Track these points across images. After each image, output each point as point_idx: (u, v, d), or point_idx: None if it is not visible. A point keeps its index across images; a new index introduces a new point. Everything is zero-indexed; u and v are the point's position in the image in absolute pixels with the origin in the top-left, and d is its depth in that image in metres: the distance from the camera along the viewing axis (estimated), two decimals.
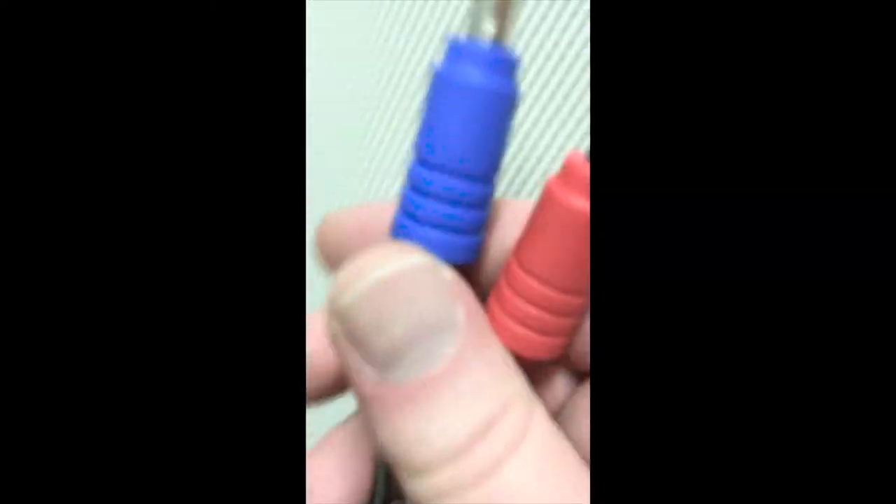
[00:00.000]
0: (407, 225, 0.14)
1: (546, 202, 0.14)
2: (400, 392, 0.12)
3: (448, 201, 0.14)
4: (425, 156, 0.14)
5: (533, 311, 0.14)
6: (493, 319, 0.14)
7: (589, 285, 0.14)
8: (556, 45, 0.19)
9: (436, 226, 0.14)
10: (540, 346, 0.14)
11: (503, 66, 0.14)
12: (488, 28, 0.14)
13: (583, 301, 0.14)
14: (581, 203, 0.13)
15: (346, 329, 0.12)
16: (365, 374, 0.12)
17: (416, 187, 0.14)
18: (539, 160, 0.20)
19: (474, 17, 0.14)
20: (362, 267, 0.12)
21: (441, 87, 0.14)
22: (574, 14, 0.19)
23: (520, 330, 0.14)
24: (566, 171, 0.14)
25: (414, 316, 0.12)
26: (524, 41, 0.20)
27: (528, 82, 0.20)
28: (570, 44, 0.19)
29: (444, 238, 0.14)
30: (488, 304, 0.15)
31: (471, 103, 0.14)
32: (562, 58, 0.19)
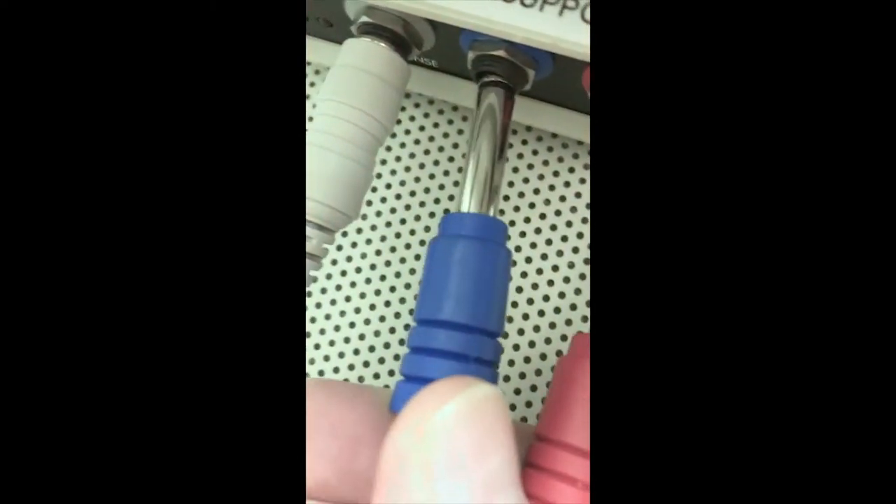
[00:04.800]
0: (412, 388, 0.14)
1: (573, 369, 0.14)
2: None
3: (454, 356, 0.14)
4: (429, 315, 0.15)
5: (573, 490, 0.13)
6: None
7: None
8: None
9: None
10: None
11: (493, 227, 0.15)
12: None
13: None
14: None
15: (441, 454, 0.11)
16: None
17: (420, 349, 0.15)
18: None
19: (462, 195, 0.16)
20: (449, 388, 0.11)
21: (440, 248, 0.15)
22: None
23: None
24: (576, 352, 0.14)
25: (506, 447, 0.11)
26: None
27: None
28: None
29: None
30: None
31: (468, 254, 0.15)
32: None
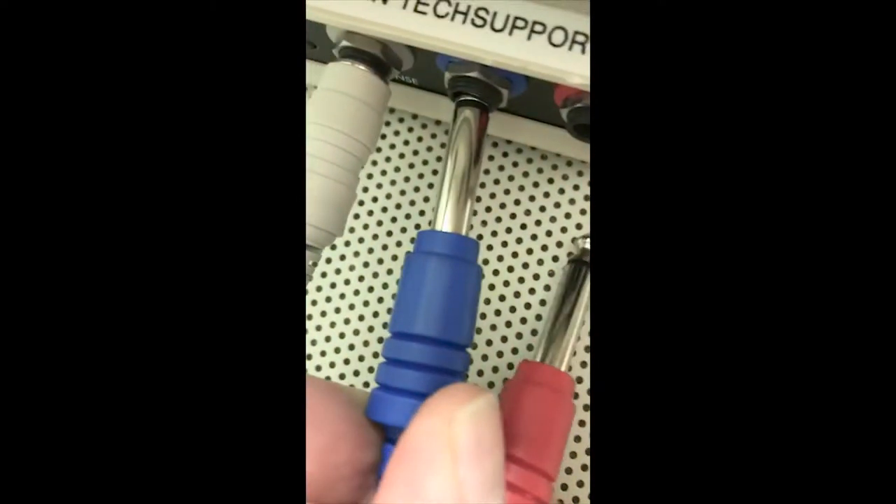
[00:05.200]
0: (387, 397, 0.15)
1: (516, 390, 0.16)
2: None
3: (426, 368, 0.15)
4: (402, 328, 0.16)
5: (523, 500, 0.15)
6: None
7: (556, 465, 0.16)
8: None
9: (415, 393, 0.15)
10: None
11: (464, 245, 0.16)
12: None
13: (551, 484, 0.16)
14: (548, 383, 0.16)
15: (466, 439, 0.12)
16: (471, 491, 0.12)
17: (394, 360, 0.16)
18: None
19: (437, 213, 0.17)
20: (472, 390, 0.13)
21: (413, 265, 0.16)
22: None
23: None
24: (521, 377, 0.17)
25: (502, 449, 0.13)
26: None
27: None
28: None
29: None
30: None
31: (439, 271, 0.16)
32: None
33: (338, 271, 0.23)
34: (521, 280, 0.22)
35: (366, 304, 0.22)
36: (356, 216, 0.23)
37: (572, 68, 0.16)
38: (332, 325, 0.22)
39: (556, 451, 0.16)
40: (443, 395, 0.13)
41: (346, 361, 0.22)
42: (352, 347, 0.22)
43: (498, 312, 0.22)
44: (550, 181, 0.23)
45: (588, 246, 0.20)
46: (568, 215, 0.22)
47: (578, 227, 0.22)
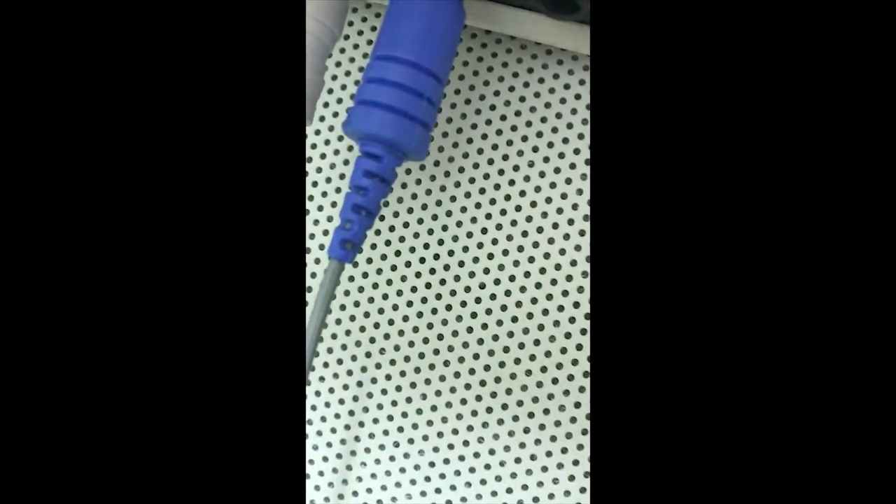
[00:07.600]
0: (366, 109, 0.17)
1: None
2: None
3: (405, 89, 0.17)
4: (387, 51, 0.17)
5: None
6: None
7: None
8: None
9: (392, 109, 0.17)
10: None
11: None
12: None
13: None
14: None
15: None
16: None
17: (375, 79, 0.17)
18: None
19: None
20: None
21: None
22: None
23: None
24: None
25: None
26: None
27: None
28: None
29: (401, 121, 0.17)
30: None
31: (425, 4, 0.17)
32: None
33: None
34: (501, 172, 0.22)
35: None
36: (321, 118, 0.22)
37: None
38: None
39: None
40: None
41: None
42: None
43: (478, 205, 0.22)
44: (530, 70, 0.22)
45: None
46: (548, 105, 0.22)
47: (558, 116, 0.22)
